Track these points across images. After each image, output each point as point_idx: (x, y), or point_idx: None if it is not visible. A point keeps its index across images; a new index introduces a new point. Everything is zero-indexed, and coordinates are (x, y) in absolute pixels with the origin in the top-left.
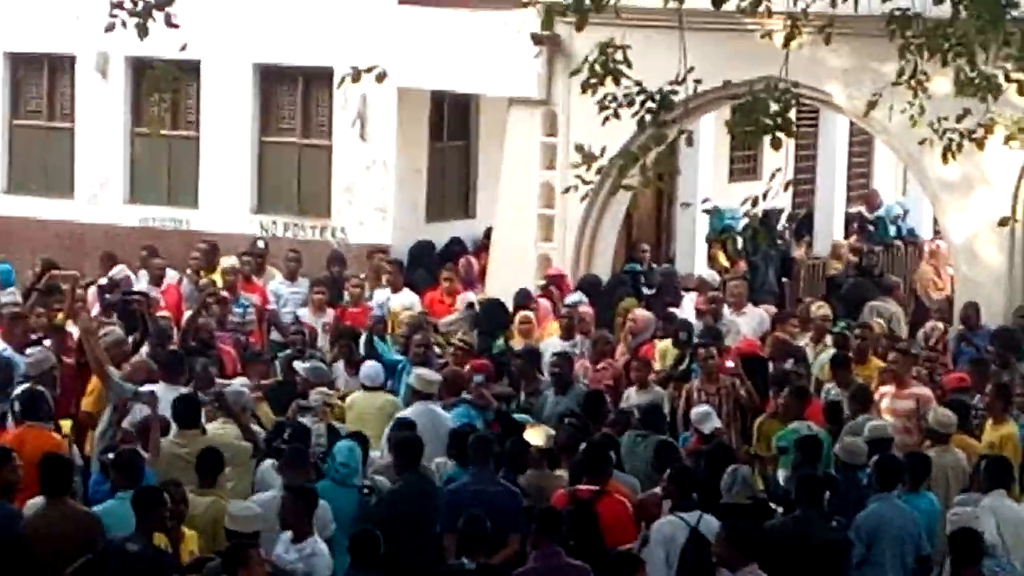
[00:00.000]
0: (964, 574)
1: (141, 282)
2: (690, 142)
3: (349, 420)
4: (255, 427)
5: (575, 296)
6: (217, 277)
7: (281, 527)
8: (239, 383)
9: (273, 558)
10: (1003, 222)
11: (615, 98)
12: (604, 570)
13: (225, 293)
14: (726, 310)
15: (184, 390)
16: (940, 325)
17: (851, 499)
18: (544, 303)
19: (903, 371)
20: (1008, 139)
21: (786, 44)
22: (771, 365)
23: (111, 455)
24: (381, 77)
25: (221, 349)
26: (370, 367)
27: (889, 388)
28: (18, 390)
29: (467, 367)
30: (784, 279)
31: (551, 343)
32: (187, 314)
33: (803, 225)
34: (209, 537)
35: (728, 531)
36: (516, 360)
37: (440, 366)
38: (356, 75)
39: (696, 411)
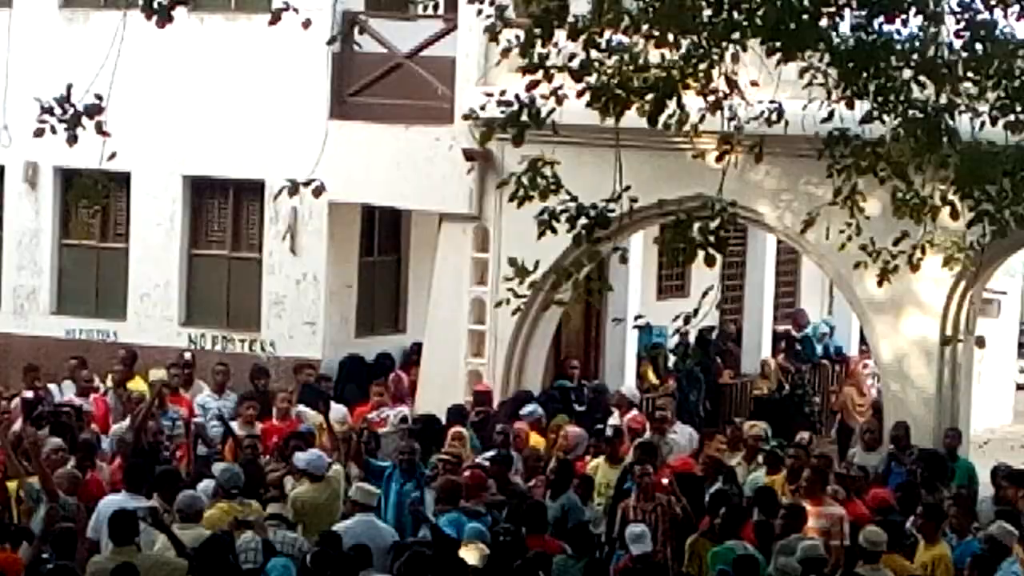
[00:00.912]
0: None
1: (67, 393)
2: (624, 259)
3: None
4: None
5: (531, 408)
6: (137, 386)
7: None
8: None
9: None
10: (946, 341)
11: (552, 213)
12: None
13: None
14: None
15: (145, 502)
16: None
17: None
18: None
19: (816, 488)
20: (947, 262)
21: (719, 160)
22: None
23: None
24: (318, 191)
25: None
26: (313, 455)
27: (808, 504)
28: None
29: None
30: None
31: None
32: (117, 425)
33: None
34: None
35: None
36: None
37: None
38: (294, 188)
39: (631, 531)
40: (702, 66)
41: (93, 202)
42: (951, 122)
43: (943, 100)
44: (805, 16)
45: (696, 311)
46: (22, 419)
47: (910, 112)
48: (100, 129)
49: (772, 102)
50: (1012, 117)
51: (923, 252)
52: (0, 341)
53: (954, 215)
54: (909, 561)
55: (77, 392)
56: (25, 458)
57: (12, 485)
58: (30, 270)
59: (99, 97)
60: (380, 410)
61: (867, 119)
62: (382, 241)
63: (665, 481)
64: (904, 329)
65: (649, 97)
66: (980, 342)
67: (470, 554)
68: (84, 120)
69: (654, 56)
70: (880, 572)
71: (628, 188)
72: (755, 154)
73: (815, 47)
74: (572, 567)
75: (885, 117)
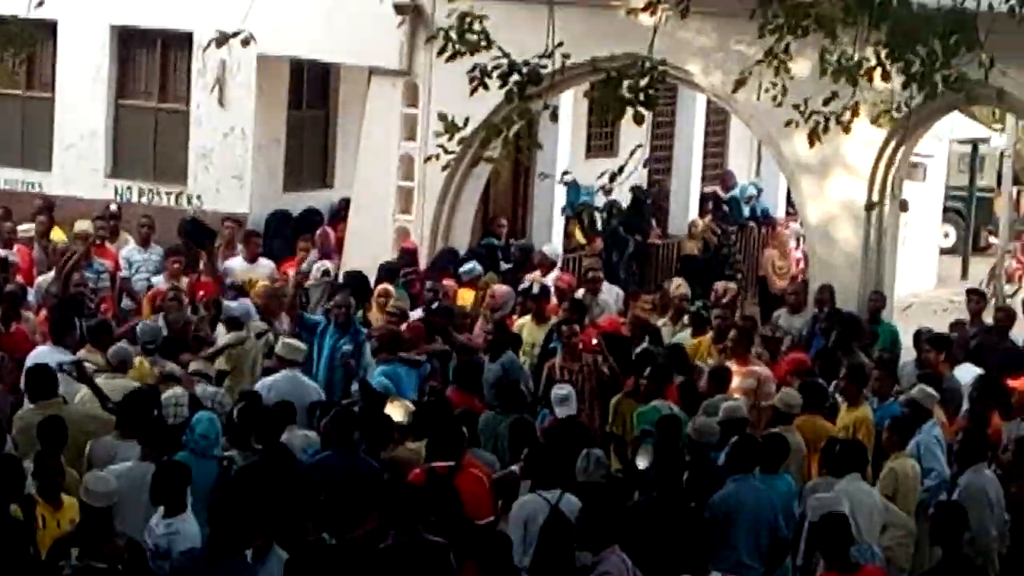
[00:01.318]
0: (832, 559)
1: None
2: (555, 117)
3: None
4: None
5: (470, 265)
6: (60, 237)
7: (152, 502)
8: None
9: (145, 533)
10: (870, 206)
11: (484, 69)
12: (467, 545)
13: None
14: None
15: (70, 355)
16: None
17: (703, 480)
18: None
19: (741, 349)
20: (874, 120)
21: (649, 13)
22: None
23: None
24: (246, 42)
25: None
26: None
27: (733, 364)
28: None
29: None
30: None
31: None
32: (43, 277)
33: (658, 205)
34: None
35: (589, 511)
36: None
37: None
38: (222, 39)
39: (556, 393)
40: None
41: (19, 50)
42: None
43: None
44: None
45: (622, 168)
46: None
47: None
48: None
49: None
50: None
51: (854, 113)
52: None
53: (885, 76)
54: (831, 423)
55: (1, 245)
56: None
57: None
58: None
59: None
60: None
61: None
62: (311, 95)
63: (593, 341)
64: (831, 192)
65: None
66: (903, 205)
67: (396, 410)
68: None
69: None
70: (792, 435)
71: (560, 45)
72: (680, 11)
73: None
74: (499, 424)
75: None
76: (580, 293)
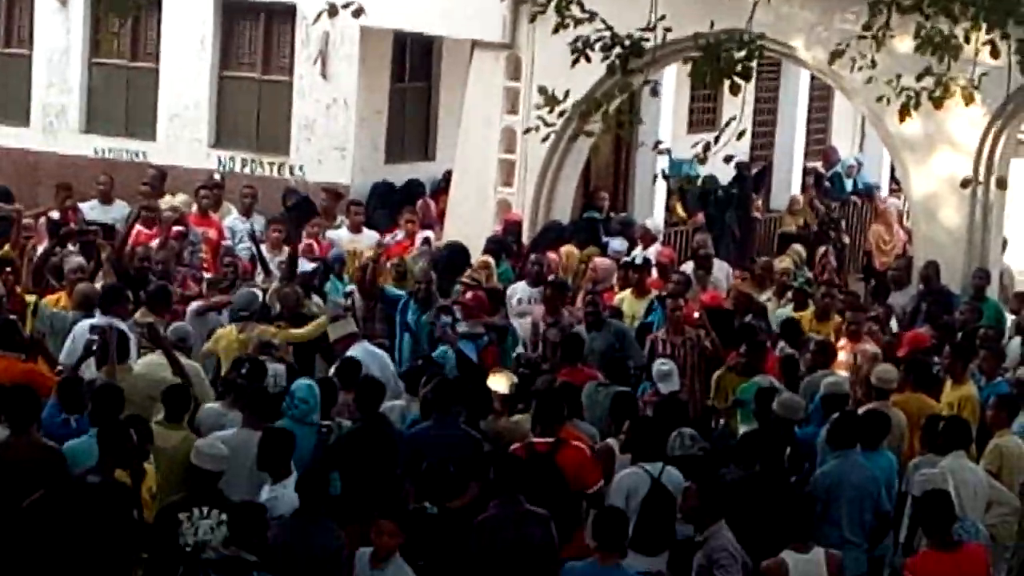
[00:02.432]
0: (934, 536)
1: (94, 212)
2: (655, 92)
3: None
4: None
5: (617, 241)
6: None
7: (259, 468)
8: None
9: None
10: (964, 183)
11: (586, 42)
12: (575, 516)
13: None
14: (689, 264)
15: (119, 323)
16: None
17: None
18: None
19: (860, 328)
20: (967, 100)
21: None
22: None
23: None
24: (358, 12)
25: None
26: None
27: (844, 343)
28: None
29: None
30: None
31: (518, 288)
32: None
33: (760, 180)
34: (176, 475)
35: (700, 485)
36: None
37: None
38: (332, 10)
39: (659, 368)
40: None
41: (122, 14)
42: None
43: None
44: None
45: (717, 138)
46: (48, 238)
47: None
48: None
49: None
50: None
51: (946, 89)
52: (29, 159)
53: (994, 53)
54: (936, 401)
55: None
56: (53, 275)
57: (30, 299)
58: (60, 88)
59: None
60: (395, 234)
61: None
62: (413, 68)
63: (696, 315)
64: (935, 168)
65: None
66: (1001, 183)
67: (499, 381)
68: None
69: None
70: (890, 410)
71: (663, 19)
72: None
73: None
74: (602, 395)
75: None
76: (687, 267)
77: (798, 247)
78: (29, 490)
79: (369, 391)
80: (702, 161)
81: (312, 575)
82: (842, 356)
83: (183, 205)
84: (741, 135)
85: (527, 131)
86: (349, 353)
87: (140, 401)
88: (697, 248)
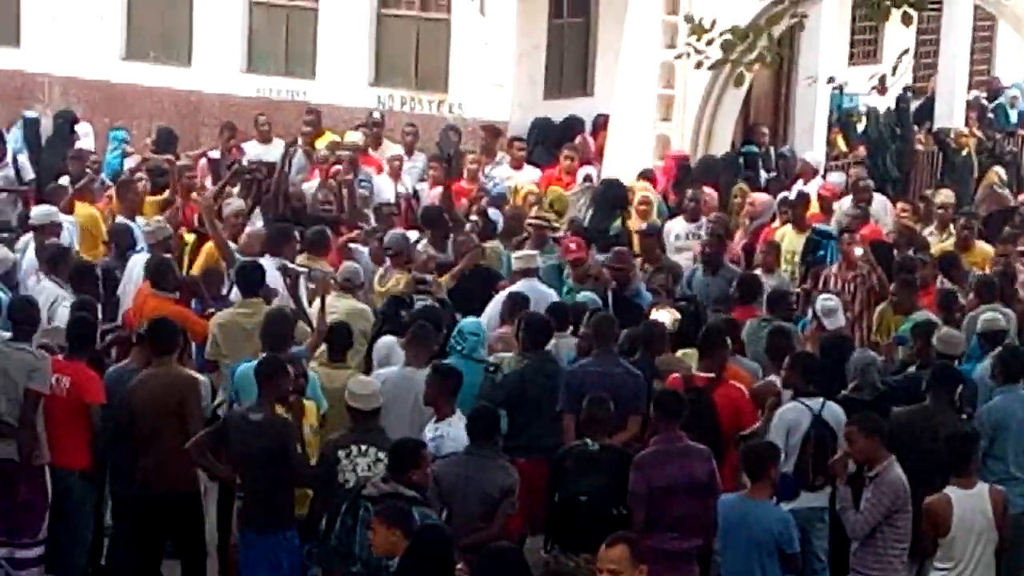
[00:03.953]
0: None
1: (254, 152)
2: (803, 26)
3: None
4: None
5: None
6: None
7: (426, 404)
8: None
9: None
10: None
11: None
12: (717, 453)
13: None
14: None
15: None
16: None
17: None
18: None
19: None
20: None
21: None
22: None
23: None
24: None
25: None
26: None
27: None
28: (143, 258)
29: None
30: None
31: (675, 224)
32: (307, 184)
33: (923, 111)
34: (341, 413)
35: (861, 423)
36: (645, 239)
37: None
38: None
39: (824, 304)
40: None
41: None
42: None
43: None
44: None
45: (894, 70)
46: (211, 177)
47: None
48: None
49: None
50: None
51: None
52: (192, 99)
53: None
54: None
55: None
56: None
57: (189, 238)
58: (221, 28)
59: None
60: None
61: None
62: (571, 3)
63: (858, 251)
64: None
65: None
66: None
67: (663, 315)
68: None
69: None
70: None
71: None
72: None
73: None
74: (764, 331)
75: None
76: (846, 202)
77: (999, 170)
78: (166, 418)
79: (536, 328)
80: (882, 92)
81: (486, 511)
82: None
83: (361, 142)
84: (914, 71)
85: (678, 56)
86: (516, 287)
87: None
88: (855, 182)
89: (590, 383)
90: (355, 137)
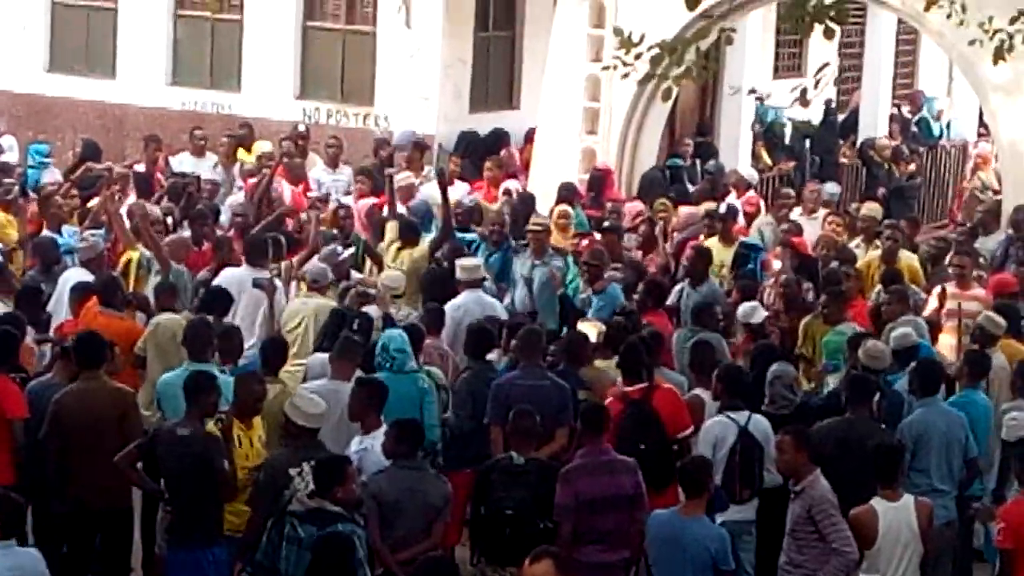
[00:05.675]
0: None
1: (184, 165)
2: (730, 41)
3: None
4: None
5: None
6: (250, 158)
7: (350, 419)
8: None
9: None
10: None
11: None
12: (669, 463)
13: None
14: (796, 212)
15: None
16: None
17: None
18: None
19: (969, 273)
20: None
21: None
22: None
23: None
24: None
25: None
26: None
27: (953, 288)
28: (77, 273)
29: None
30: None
31: None
32: (232, 198)
33: (847, 124)
34: (272, 426)
35: (795, 435)
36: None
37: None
38: None
39: (743, 307)
40: None
41: None
42: None
43: None
44: None
45: (817, 82)
46: (135, 192)
47: None
48: None
49: None
50: None
51: None
52: (116, 112)
53: None
54: None
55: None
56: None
57: (134, 255)
58: (146, 41)
59: None
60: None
61: None
62: (497, 16)
63: (777, 264)
64: None
65: None
66: None
67: (589, 329)
68: None
69: None
70: (995, 355)
71: None
72: None
73: None
74: (691, 342)
75: None
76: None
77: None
78: (98, 432)
79: (478, 339)
80: (805, 105)
81: (428, 523)
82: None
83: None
84: (838, 84)
85: (604, 68)
86: (457, 300)
87: None
88: (779, 196)
89: (517, 395)
90: (267, 147)
